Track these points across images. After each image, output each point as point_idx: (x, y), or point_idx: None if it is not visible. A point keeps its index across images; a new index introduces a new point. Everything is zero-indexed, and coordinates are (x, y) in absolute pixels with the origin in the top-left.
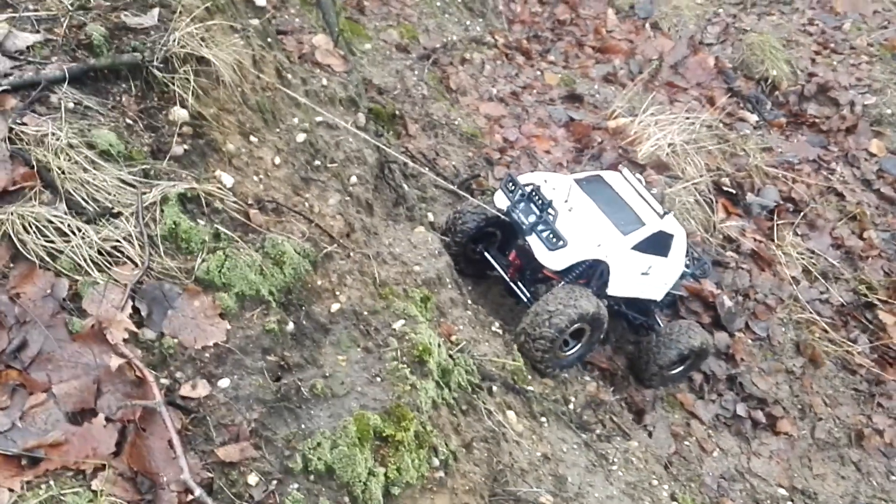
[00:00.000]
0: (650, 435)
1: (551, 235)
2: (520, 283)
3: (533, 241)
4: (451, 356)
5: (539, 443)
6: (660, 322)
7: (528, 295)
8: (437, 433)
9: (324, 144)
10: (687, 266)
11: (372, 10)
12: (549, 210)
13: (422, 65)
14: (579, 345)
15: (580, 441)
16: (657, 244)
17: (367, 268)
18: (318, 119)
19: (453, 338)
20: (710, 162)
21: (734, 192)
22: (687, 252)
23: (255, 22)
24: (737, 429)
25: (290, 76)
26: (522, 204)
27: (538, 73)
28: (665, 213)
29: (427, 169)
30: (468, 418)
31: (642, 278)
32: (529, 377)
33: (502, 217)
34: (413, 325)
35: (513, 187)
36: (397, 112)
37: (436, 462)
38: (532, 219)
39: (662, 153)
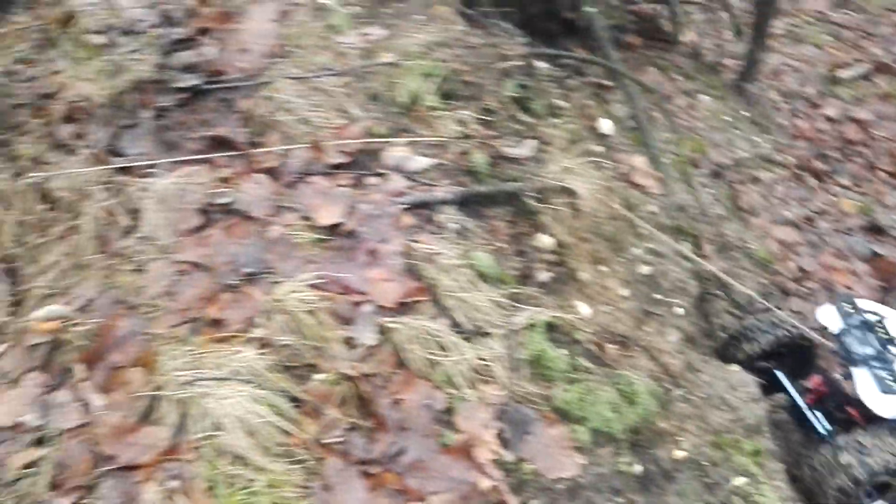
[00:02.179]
0: None
1: (889, 376)
2: (818, 413)
3: (860, 376)
4: None
5: None
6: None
7: (829, 428)
8: None
9: (659, 275)
10: None
11: (660, 120)
12: (892, 348)
13: (714, 181)
14: (881, 500)
15: None
16: None
17: (703, 412)
18: (650, 246)
19: None
20: None
21: None
22: None
23: (600, 149)
24: None
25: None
26: (858, 331)
27: (832, 197)
28: None
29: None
30: None
31: None
32: None
33: (803, 338)
34: (756, 486)
35: (851, 310)
36: (693, 231)
37: None
38: (868, 351)
39: None
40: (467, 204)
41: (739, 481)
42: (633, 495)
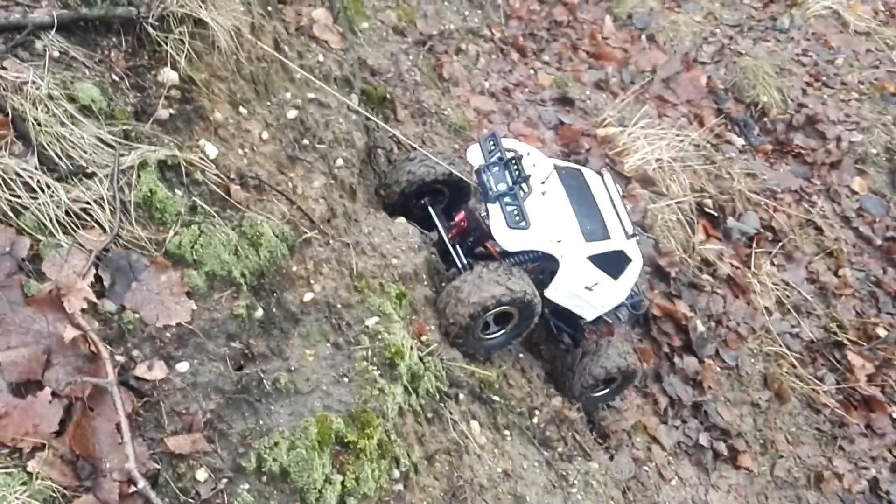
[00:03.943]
0: (612, 458)
1: (516, 212)
2: (458, 248)
3: (493, 211)
4: (421, 359)
5: (501, 458)
6: (585, 338)
7: (465, 262)
8: (400, 443)
9: (313, 123)
10: (628, 296)
11: None
12: (524, 185)
13: (417, 50)
14: (503, 330)
15: (541, 459)
16: (612, 263)
17: (346, 257)
18: (311, 96)
19: (424, 338)
20: (695, 182)
21: (715, 214)
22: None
23: None
24: (697, 458)
25: (287, 48)
26: (497, 168)
27: (532, 71)
28: (632, 235)
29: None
30: (433, 428)
31: (584, 292)
32: (497, 386)
33: (454, 176)
34: (387, 324)
35: (493, 147)
36: (388, 95)
37: (396, 474)
38: (502, 187)
39: (649, 168)
40: (74, 30)
41: (371, 321)
42: (251, 339)
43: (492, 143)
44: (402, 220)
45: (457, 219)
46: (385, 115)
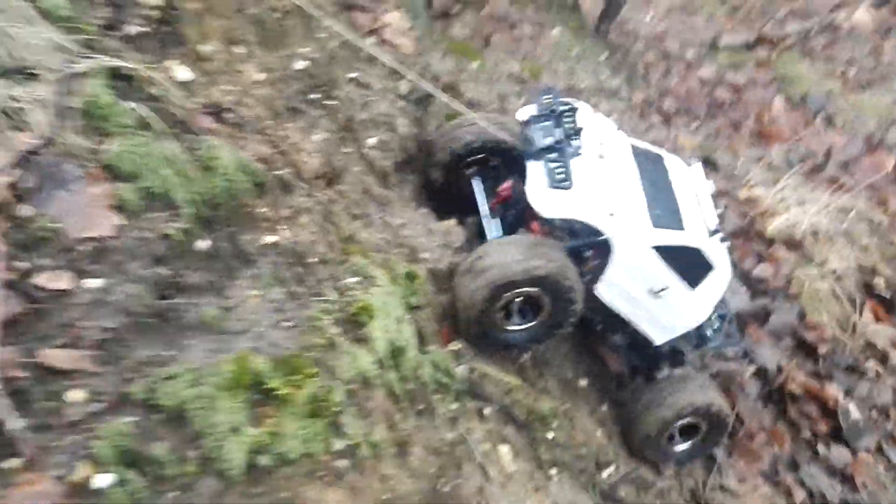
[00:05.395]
0: None
1: (560, 169)
2: (496, 220)
3: (533, 169)
4: (424, 350)
5: (534, 492)
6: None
7: (497, 235)
8: (352, 411)
9: (347, 100)
10: (716, 328)
11: (498, 43)
12: (573, 140)
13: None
14: (532, 322)
15: None
16: (688, 266)
17: (335, 218)
18: (350, 75)
19: (451, 346)
20: (864, 259)
21: (888, 297)
22: (724, 312)
23: None
24: None
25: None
26: (547, 121)
27: (673, 134)
28: (715, 232)
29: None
30: (421, 421)
31: (647, 298)
32: (555, 423)
33: (501, 142)
34: (367, 286)
35: (547, 99)
36: None
37: (339, 445)
38: (548, 141)
39: (798, 231)
40: None
41: (349, 279)
42: (186, 268)
43: (548, 94)
44: (451, 221)
45: (502, 187)
46: None
